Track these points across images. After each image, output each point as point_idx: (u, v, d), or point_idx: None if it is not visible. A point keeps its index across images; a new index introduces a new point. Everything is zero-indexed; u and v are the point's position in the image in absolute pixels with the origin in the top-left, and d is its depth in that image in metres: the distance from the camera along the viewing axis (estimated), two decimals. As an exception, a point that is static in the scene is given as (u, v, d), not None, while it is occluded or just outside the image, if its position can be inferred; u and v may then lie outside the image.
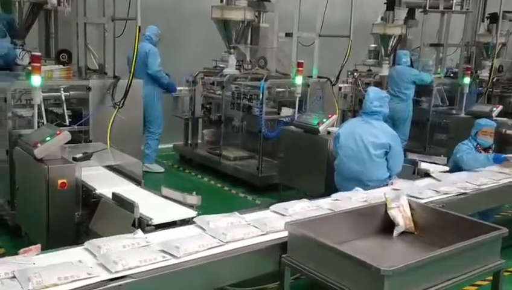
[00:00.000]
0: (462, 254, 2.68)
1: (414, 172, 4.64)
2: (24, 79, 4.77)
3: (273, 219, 3.15)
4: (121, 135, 4.99)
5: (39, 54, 4.59)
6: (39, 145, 3.76)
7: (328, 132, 5.33)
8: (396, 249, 3.18)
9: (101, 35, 5.38)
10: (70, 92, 4.94)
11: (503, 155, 4.97)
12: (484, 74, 8.89)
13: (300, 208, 3.38)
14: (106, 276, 2.35)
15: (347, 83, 8.27)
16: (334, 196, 3.70)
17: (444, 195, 3.90)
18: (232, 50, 7.32)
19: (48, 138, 3.81)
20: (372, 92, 4.64)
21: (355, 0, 6.88)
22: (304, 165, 5.48)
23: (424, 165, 4.70)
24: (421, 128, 8.11)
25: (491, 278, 3.04)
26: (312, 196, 4.34)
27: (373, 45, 8.95)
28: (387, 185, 4.22)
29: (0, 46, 5.23)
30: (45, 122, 4.56)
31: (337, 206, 3.46)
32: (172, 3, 8.32)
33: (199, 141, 7.84)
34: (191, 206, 3.31)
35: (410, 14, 8.91)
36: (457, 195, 3.97)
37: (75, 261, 2.43)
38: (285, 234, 2.93)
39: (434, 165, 4.84)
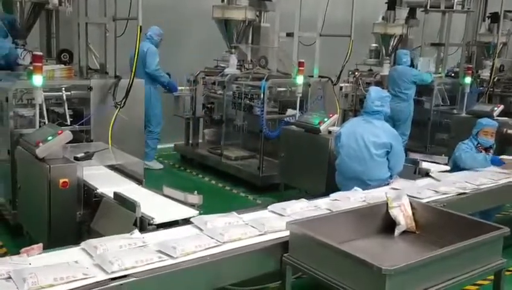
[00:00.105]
0: (463, 253, 2.68)
1: (415, 172, 4.64)
2: (25, 79, 4.77)
3: (271, 219, 3.14)
4: (122, 135, 4.99)
5: (40, 53, 4.59)
6: (41, 144, 3.76)
7: (329, 132, 5.34)
8: (397, 249, 3.18)
9: (102, 35, 5.39)
10: (72, 92, 4.94)
11: (500, 158, 4.98)
12: (485, 74, 8.88)
13: (299, 208, 3.37)
14: (102, 277, 2.33)
15: (348, 82, 8.27)
16: (332, 195, 3.70)
17: (443, 195, 3.90)
18: (233, 50, 7.32)
19: (49, 138, 3.81)
20: (374, 91, 4.64)
21: (356, 0, 6.88)
22: (305, 165, 5.49)
23: (425, 165, 4.71)
24: (422, 127, 8.10)
25: (492, 277, 3.04)
26: (313, 195, 4.35)
27: (374, 45, 8.95)
28: (388, 184, 4.23)
29: (1, 46, 5.24)
30: (47, 122, 4.56)
31: (336, 206, 3.45)
32: (173, 3, 8.32)
33: (200, 141, 7.85)
34: (192, 205, 3.32)
35: (411, 14, 8.91)
36: (456, 195, 3.97)
37: (72, 261, 2.41)
38: (283, 234, 2.94)
39: (435, 164, 4.84)
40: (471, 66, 8.22)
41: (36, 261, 2.44)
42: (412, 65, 7.97)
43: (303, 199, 3.56)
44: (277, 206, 3.41)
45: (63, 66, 5.26)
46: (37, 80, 4.40)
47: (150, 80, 6.83)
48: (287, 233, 2.93)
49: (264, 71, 7.23)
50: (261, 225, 3.00)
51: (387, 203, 3.31)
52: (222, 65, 7.51)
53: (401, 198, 3.33)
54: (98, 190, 3.68)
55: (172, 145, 8.07)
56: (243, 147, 7.29)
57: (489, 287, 3.16)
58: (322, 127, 5.33)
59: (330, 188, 4.62)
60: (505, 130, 6.15)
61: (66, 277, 2.24)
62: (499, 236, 2.88)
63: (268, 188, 6.33)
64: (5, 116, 4.62)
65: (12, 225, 4.61)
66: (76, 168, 3.74)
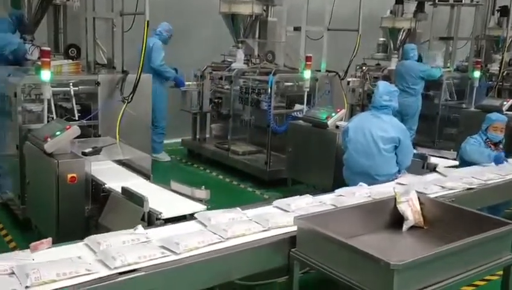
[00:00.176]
0: (471, 248, 2.67)
1: (423, 166, 4.61)
2: (34, 74, 4.79)
3: (275, 215, 3.13)
4: (129, 130, 5.00)
5: (48, 48, 4.61)
6: (49, 139, 3.78)
7: (337, 127, 5.32)
8: (405, 244, 3.17)
9: (109, 30, 5.40)
10: (79, 87, 4.97)
11: (503, 155, 4.91)
12: (494, 68, 8.81)
13: (304, 204, 3.35)
14: (105, 272, 2.33)
15: (356, 77, 8.23)
16: (337, 191, 3.69)
17: (449, 190, 3.88)
18: (240, 44, 7.30)
19: (57, 133, 3.83)
20: (382, 86, 4.61)
21: (364, -6, 6.84)
22: (312, 160, 5.48)
23: (433, 160, 4.68)
24: (430, 122, 8.06)
25: (501, 272, 3.03)
26: (321, 190, 4.34)
27: (382, 39, 8.90)
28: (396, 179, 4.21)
29: (10, 41, 5.26)
30: (55, 117, 4.58)
31: (341, 201, 3.43)
32: (180, -2, 8.31)
33: (207, 136, 7.86)
34: (200, 200, 3.32)
35: (420, 8, 8.83)
36: (464, 190, 3.94)
37: (75, 257, 2.41)
38: (288, 229, 2.94)
39: (443, 159, 4.81)
40: (480, 60, 8.16)
41: (39, 256, 2.44)
42: (420, 60, 7.92)
43: (308, 195, 3.54)
44: (281, 202, 3.40)
45: (70, 61, 5.28)
46: (45, 75, 4.41)
47: (155, 75, 6.84)
48: (292, 229, 2.93)
49: (271, 66, 7.21)
50: (265, 220, 2.99)
51: (395, 198, 3.30)
52: (229, 60, 7.50)
53: (409, 193, 3.31)
54: (106, 185, 3.69)
55: (179, 140, 8.09)
56: (250, 141, 7.29)
57: (498, 282, 3.15)
58: (330, 122, 5.31)
59: (338, 183, 4.60)
60: (514, 124, 6.10)
61: (68, 273, 2.24)
62: (508, 231, 2.86)
63: (275, 183, 6.33)
64: (13, 111, 4.64)
65: (21, 220, 4.64)
66: (84, 163, 3.76)
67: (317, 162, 5.41)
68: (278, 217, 3.07)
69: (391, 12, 8.57)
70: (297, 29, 7.11)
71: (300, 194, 3.54)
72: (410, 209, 3.24)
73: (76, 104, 4.83)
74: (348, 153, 4.63)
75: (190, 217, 3.14)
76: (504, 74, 8.59)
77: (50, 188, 3.69)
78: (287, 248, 2.87)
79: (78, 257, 2.41)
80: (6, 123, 4.92)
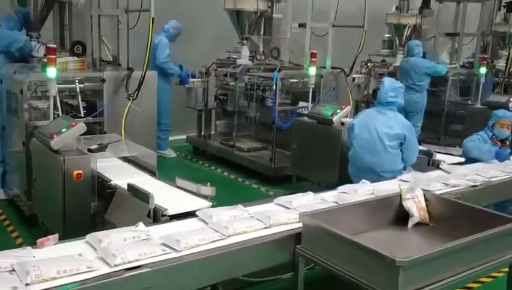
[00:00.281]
0: (477, 245, 2.66)
1: (429, 163, 4.60)
2: (39, 71, 4.81)
3: (277, 212, 3.12)
4: (135, 126, 5.02)
5: (54, 46, 4.63)
6: (55, 136, 3.81)
7: (342, 123, 5.31)
8: (411, 241, 3.16)
9: (114, 27, 5.41)
10: (85, 84, 4.98)
11: (508, 152, 4.88)
12: (501, 64, 8.75)
13: (306, 201, 3.35)
14: (106, 270, 2.32)
15: (361, 73, 8.19)
16: (340, 188, 3.69)
17: (452, 188, 3.86)
18: (245, 41, 7.29)
19: (63, 130, 3.85)
20: (388, 82, 4.60)
21: (370, -10, 6.82)
22: (317, 156, 5.47)
23: (439, 157, 4.67)
24: (436, 119, 8.02)
25: (507, 269, 3.02)
26: (326, 187, 4.34)
27: (387, 35, 8.85)
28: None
29: (17, 39, 5.28)
30: (60, 114, 4.61)
31: (343, 199, 3.42)
32: (186, -5, 8.31)
33: (212, 132, 7.86)
34: (205, 197, 3.33)
35: (426, 3, 8.76)
36: (469, 187, 3.93)
37: (76, 254, 2.40)
38: (289, 227, 2.94)
39: (450, 156, 4.79)
40: (486, 56, 8.12)
41: (40, 254, 2.43)
42: (424, 56, 7.88)
43: (309, 192, 3.54)
44: (283, 199, 3.40)
45: (76, 58, 5.30)
46: (51, 72, 4.43)
47: (160, 72, 6.85)
48: (294, 226, 2.94)
49: (276, 62, 7.20)
50: (267, 218, 2.99)
51: (400, 195, 3.30)
52: (234, 56, 7.49)
53: (414, 190, 3.31)
54: (111, 182, 3.71)
55: (184, 136, 8.10)
56: (255, 138, 7.29)
57: (504, 279, 3.14)
58: (335, 119, 5.31)
59: (343, 180, 4.61)
60: (520, 121, 6.05)
61: (69, 270, 2.23)
62: (514, 228, 2.85)
63: (280, 179, 6.33)
64: (19, 108, 4.67)
65: (28, 216, 4.67)
66: (90, 159, 3.78)
67: (322, 159, 5.41)
68: (279, 215, 3.07)
69: (396, 8, 8.53)
70: (302, 25, 7.09)
71: (305, 191, 3.54)
72: (415, 206, 3.24)
73: (82, 101, 4.85)
74: (353, 150, 4.62)
75: (195, 213, 3.15)
76: (510, 70, 8.52)
77: (56, 184, 3.71)
78: (291, 244, 2.87)
79: (79, 255, 2.41)
80: (13, 120, 4.95)
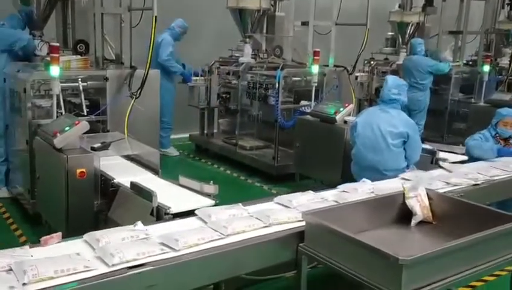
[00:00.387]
0: (480, 244, 2.65)
1: (432, 161, 4.59)
2: (43, 70, 4.82)
3: (276, 211, 3.11)
4: (138, 125, 5.03)
5: (57, 44, 4.64)
6: (58, 135, 3.81)
7: (345, 121, 5.31)
8: (414, 239, 3.16)
9: (117, 26, 5.42)
10: (88, 82, 4.98)
11: (509, 150, 4.86)
12: (504, 62, 8.73)
13: (305, 200, 3.33)
14: (104, 269, 2.30)
15: (364, 71, 8.19)
16: (340, 187, 3.68)
17: (454, 186, 3.85)
18: (247, 39, 7.29)
19: (66, 128, 3.86)
20: (391, 79, 4.59)
21: (372, -12, 6.80)
22: (320, 155, 5.47)
23: (442, 155, 4.66)
24: (439, 117, 8.01)
25: (510, 268, 3.01)
26: (328, 185, 4.33)
27: (390, 33, 8.83)
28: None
29: (20, 37, 5.29)
30: (64, 113, 4.61)
31: (343, 198, 3.40)
32: (188, -7, 8.31)
33: (215, 131, 7.87)
34: (208, 195, 3.33)
35: (429, 1, 8.73)
36: (471, 186, 3.92)
37: (73, 253, 2.38)
38: (289, 226, 2.94)
39: (453, 154, 4.78)
40: (489, 54, 8.09)
41: (38, 253, 2.42)
42: (426, 54, 7.86)
43: (310, 191, 3.52)
44: (283, 198, 3.38)
45: (79, 56, 5.31)
46: (54, 70, 4.44)
47: (163, 70, 6.86)
48: (294, 225, 2.95)
49: (278, 61, 7.20)
50: (266, 217, 2.97)
51: (403, 193, 3.29)
52: (237, 55, 7.50)
53: (417, 188, 3.30)
54: (114, 180, 3.71)
55: (187, 135, 8.11)
56: (257, 136, 7.29)
57: (508, 277, 3.13)
58: (338, 117, 5.30)
59: (346, 178, 4.60)
60: (524, 119, 6.03)
61: (66, 270, 2.21)
62: (518, 227, 2.84)
63: (283, 178, 6.33)
64: (23, 107, 4.68)
65: (32, 214, 4.69)
66: (93, 158, 3.79)
67: (325, 157, 5.41)
68: (279, 214, 3.05)
69: (400, 6, 8.50)
70: (305, 23, 7.09)
71: (308, 189, 3.54)
72: (418, 205, 3.23)
73: (85, 99, 4.87)
74: (356, 148, 4.62)
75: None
76: (514, 68, 8.51)
77: (59, 182, 3.72)
78: (293, 243, 2.87)
79: (77, 254, 2.39)
80: (16, 119, 4.96)
